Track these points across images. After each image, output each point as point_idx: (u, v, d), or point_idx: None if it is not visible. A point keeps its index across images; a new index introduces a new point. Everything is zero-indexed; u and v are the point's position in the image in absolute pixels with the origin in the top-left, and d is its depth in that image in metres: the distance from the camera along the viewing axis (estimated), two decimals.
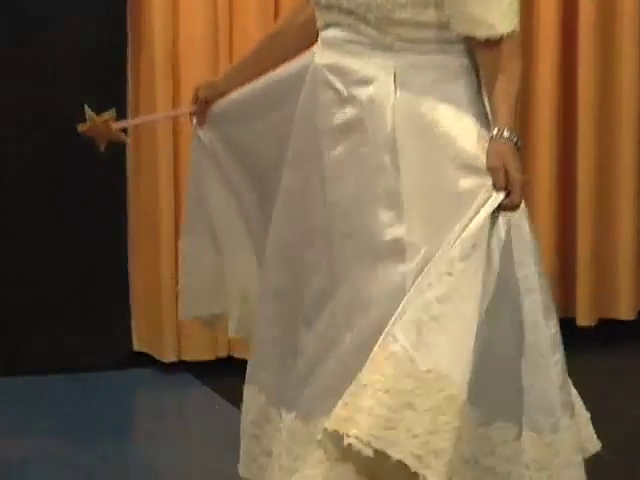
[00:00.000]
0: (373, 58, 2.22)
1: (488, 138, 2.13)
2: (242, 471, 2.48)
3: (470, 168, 2.13)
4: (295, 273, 2.34)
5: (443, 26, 2.19)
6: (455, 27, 2.17)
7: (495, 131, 2.14)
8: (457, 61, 2.23)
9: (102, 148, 2.51)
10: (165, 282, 3.77)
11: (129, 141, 3.15)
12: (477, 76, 2.24)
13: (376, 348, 2.07)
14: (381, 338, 2.08)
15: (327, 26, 2.29)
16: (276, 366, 2.38)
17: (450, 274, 2.08)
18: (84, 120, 2.47)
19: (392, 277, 2.15)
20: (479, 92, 2.23)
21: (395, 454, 2.01)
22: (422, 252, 2.13)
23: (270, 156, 2.42)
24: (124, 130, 2.63)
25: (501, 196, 2.10)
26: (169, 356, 3.84)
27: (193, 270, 2.63)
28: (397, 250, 2.16)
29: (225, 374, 3.60)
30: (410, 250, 2.15)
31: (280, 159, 2.38)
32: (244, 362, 2.52)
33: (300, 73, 2.35)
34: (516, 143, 2.13)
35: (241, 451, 2.48)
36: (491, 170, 2.11)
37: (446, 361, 2.05)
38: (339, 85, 2.25)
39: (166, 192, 3.79)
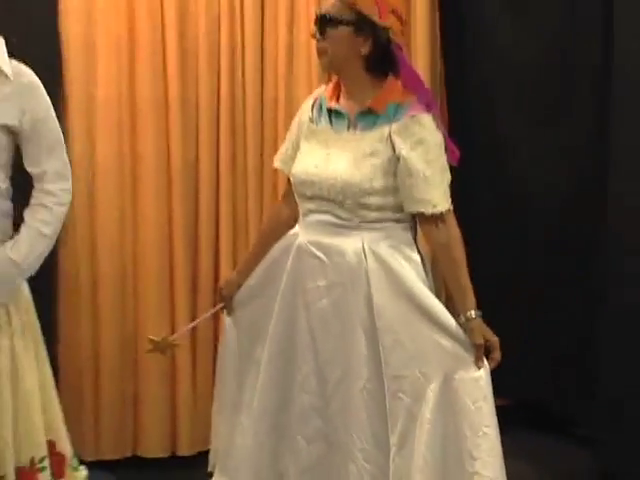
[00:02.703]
0: (347, 236, 2.97)
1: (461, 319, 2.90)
2: None
3: (445, 330, 2.88)
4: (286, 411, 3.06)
5: (397, 208, 2.96)
6: (408, 207, 2.94)
7: (469, 313, 2.90)
8: (404, 232, 3.01)
9: (166, 355, 3.29)
10: None
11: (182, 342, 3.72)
12: (416, 241, 3.02)
13: None
14: None
15: (309, 212, 3.03)
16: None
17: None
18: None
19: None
20: (419, 253, 3.02)
21: None
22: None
23: (265, 318, 3.11)
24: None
25: (487, 364, 2.87)
26: None
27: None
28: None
29: None
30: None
31: (269, 317, 3.08)
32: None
33: (285, 252, 3.07)
34: (482, 316, 2.91)
35: None
36: (477, 346, 2.87)
37: None
38: (322, 255, 2.99)
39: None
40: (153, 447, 4.14)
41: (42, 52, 3.85)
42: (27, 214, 2.97)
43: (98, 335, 4.07)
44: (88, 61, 3.98)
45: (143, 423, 4.13)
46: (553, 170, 4.14)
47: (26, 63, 3.78)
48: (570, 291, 4.13)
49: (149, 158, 4.04)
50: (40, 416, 2.97)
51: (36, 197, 2.99)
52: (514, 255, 4.25)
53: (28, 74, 3.02)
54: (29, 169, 3.00)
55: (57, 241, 3.88)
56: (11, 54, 3.56)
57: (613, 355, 3.75)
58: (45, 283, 3.86)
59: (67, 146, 3.90)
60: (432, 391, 2.87)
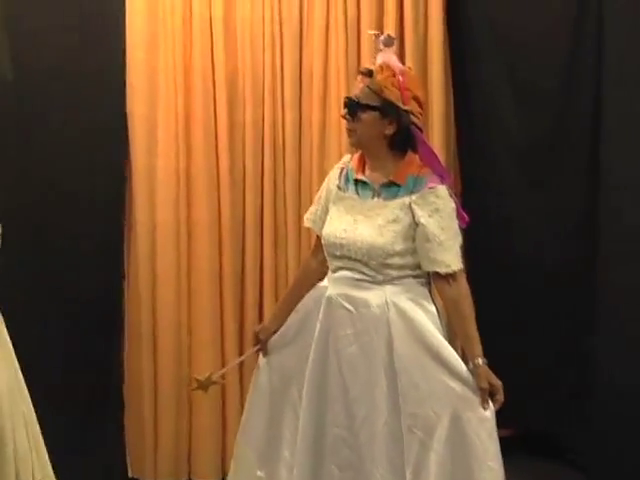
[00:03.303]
0: (371, 290, 3.37)
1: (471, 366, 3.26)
2: None
3: (455, 374, 3.25)
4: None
5: (416, 267, 3.37)
6: (425, 267, 3.35)
7: (476, 361, 3.25)
8: (421, 287, 3.40)
9: (207, 392, 3.60)
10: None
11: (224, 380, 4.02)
12: (431, 295, 3.40)
13: None
14: None
15: (338, 269, 3.43)
16: None
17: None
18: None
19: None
20: (435, 304, 3.40)
21: None
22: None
23: (301, 362, 3.46)
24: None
25: (492, 406, 3.23)
26: None
27: None
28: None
29: None
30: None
31: (304, 361, 3.43)
32: None
33: (317, 302, 3.45)
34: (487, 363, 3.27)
35: None
36: (482, 390, 3.23)
37: None
38: (350, 307, 3.38)
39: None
40: (205, 472, 4.60)
41: (111, 126, 4.43)
42: None
43: (157, 374, 4.56)
44: (150, 135, 4.52)
45: (196, 450, 4.59)
46: (548, 231, 4.52)
47: (97, 136, 4.35)
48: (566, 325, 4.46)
49: (202, 220, 4.56)
50: None
51: None
52: (513, 302, 4.60)
53: None
54: None
55: (121, 295, 4.47)
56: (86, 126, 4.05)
57: (608, 387, 4.08)
58: (112, 330, 4.45)
59: (132, 210, 4.50)
60: (443, 428, 3.22)
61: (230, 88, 4.58)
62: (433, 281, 3.38)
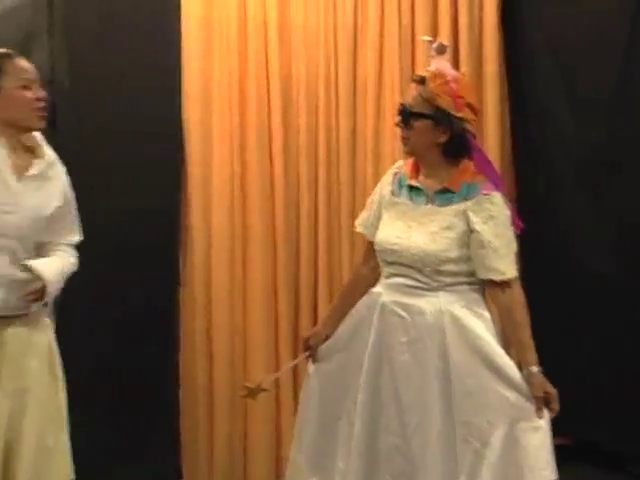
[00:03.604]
0: (425, 297, 3.35)
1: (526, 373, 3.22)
2: None
3: (510, 383, 3.22)
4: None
5: (470, 274, 3.34)
6: (479, 274, 3.33)
7: (531, 369, 3.23)
8: (475, 294, 3.38)
9: (256, 399, 3.62)
10: None
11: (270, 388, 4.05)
12: (485, 302, 3.38)
13: None
14: None
15: (391, 275, 3.42)
16: None
17: None
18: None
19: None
20: (488, 310, 3.37)
21: None
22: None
23: (354, 369, 3.44)
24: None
25: (547, 414, 3.20)
26: None
27: None
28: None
29: None
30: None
31: (359, 368, 3.41)
32: None
33: (370, 309, 3.43)
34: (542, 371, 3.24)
35: None
36: (537, 399, 3.20)
37: None
38: (404, 314, 3.36)
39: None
40: (260, 477, 4.63)
41: (167, 133, 4.48)
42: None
43: (212, 379, 4.60)
44: (205, 142, 4.57)
45: (251, 456, 4.62)
46: (605, 238, 4.47)
47: (154, 143, 4.39)
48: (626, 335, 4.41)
49: (257, 226, 4.61)
50: None
51: None
52: (570, 309, 4.54)
53: None
54: None
55: (176, 300, 4.51)
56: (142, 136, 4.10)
57: None
58: (168, 335, 4.50)
59: (188, 218, 4.53)
60: (497, 437, 3.20)
61: (284, 95, 4.62)
62: (487, 288, 3.36)
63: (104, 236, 4.25)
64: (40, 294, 3.26)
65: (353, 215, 4.57)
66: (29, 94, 3.30)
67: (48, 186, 3.36)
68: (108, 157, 4.32)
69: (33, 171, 3.32)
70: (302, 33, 4.64)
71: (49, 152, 3.40)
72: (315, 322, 4.61)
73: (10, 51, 3.35)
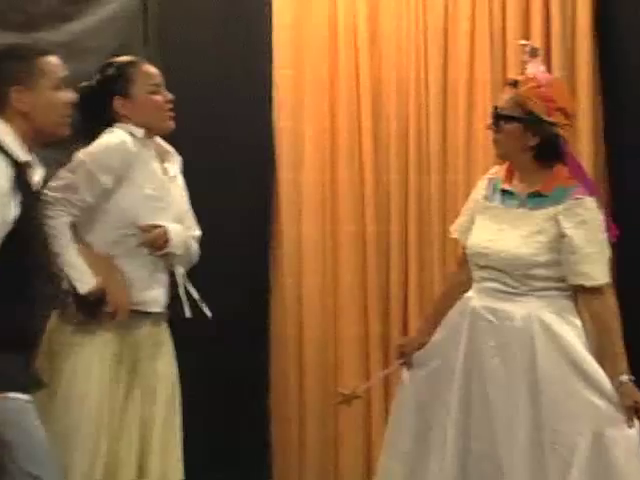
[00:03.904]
0: (514, 301, 3.33)
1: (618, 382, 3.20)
2: None
3: (600, 391, 3.19)
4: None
5: (560, 279, 3.32)
6: (570, 280, 3.30)
7: (622, 378, 3.19)
8: (566, 300, 3.35)
9: (350, 405, 3.67)
10: None
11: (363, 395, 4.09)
12: (576, 308, 3.34)
13: None
14: None
15: (482, 280, 3.41)
16: None
17: None
18: None
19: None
20: (579, 317, 3.34)
21: None
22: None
23: (447, 375, 3.45)
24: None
25: (637, 423, 3.17)
26: None
27: None
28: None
29: None
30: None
31: (452, 374, 3.42)
32: None
33: (462, 314, 3.43)
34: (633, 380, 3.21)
35: None
36: (627, 408, 3.17)
37: None
38: (493, 319, 3.36)
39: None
40: None
41: (258, 141, 4.52)
42: None
43: (303, 388, 4.62)
44: (296, 149, 4.60)
45: (342, 462, 4.63)
46: None
47: (245, 150, 4.44)
48: None
49: (347, 234, 4.62)
50: None
51: None
52: None
53: None
54: None
55: (267, 306, 4.55)
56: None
57: None
58: (259, 341, 4.54)
59: (278, 223, 4.56)
60: (585, 445, 3.16)
61: (374, 100, 4.63)
62: (578, 294, 3.34)
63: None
64: (163, 240, 3.36)
65: (444, 220, 4.62)
66: (159, 98, 3.39)
67: (180, 182, 3.51)
68: (200, 164, 4.34)
69: (172, 173, 3.46)
70: (392, 38, 4.64)
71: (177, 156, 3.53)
72: (405, 327, 4.63)
73: (134, 58, 3.45)
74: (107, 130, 3.33)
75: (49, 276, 3.13)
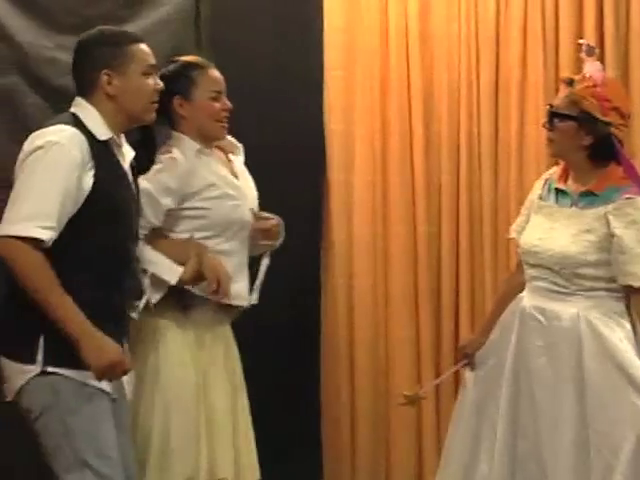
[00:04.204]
0: (563, 301, 3.35)
1: None
2: None
3: None
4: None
5: (610, 280, 3.32)
6: (619, 280, 3.30)
7: None
8: (616, 302, 3.35)
9: (414, 407, 3.76)
10: None
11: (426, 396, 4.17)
12: (627, 310, 3.33)
13: None
14: None
15: (532, 279, 3.44)
16: None
17: None
18: None
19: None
20: (629, 319, 3.33)
21: None
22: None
23: (498, 374, 3.48)
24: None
25: None
26: None
27: None
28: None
29: None
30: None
31: (502, 373, 3.46)
32: None
33: (513, 314, 3.46)
34: None
35: None
36: None
37: None
38: (541, 318, 3.37)
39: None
40: None
41: (309, 143, 4.54)
42: None
43: (354, 391, 4.61)
44: (347, 151, 4.62)
45: (393, 465, 4.62)
46: None
47: (296, 153, 4.45)
48: None
49: (398, 236, 4.61)
50: None
51: None
52: None
53: None
54: None
55: (319, 308, 4.56)
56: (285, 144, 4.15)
57: None
58: (309, 344, 4.56)
59: (328, 226, 4.56)
60: (629, 449, 3.16)
61: (426, 101, 4.63)
62: (628, 295, 3.33)
63: None
64: (276, 232, 3.50)
65: (495, 221, 4.62)
66: (217, 105, 3.41)
67: (248, 175, 3.57)
68: (252, 165, 4.38)
69: (239, 166, 3.53)
70: (443, 39, 4.63)
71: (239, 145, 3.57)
72: (457, 328, 4.62)
73: (202, 61, 3.46)
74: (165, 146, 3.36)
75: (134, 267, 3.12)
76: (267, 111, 4.42)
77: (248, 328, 4.31)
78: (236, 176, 3.50)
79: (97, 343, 2.82)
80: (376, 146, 4.62)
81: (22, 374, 2.88)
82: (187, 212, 3.32)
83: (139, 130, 3.26)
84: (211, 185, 3.33)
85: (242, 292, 3.44)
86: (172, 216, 3.31)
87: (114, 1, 4.17)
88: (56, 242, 2.83)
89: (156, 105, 3.06)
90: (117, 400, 3.01)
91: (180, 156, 3.31)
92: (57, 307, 2.80)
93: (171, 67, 3.41)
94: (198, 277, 3.26)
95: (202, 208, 3.32)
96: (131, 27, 4.18)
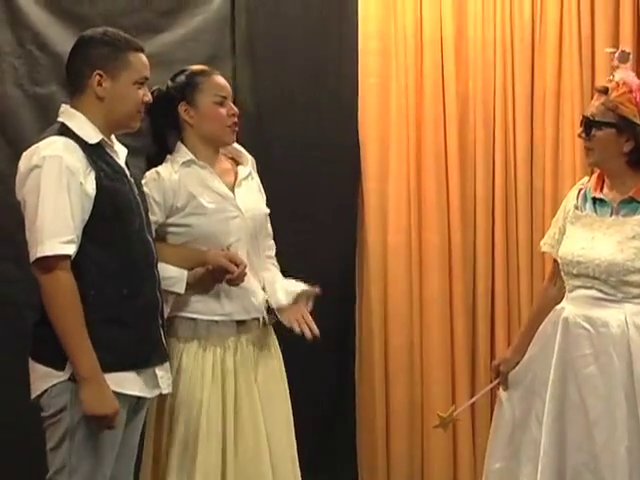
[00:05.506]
0: (609, 309, 3.30)
1: None
2: None
3: None
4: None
5: None
6: None
7: None
8: None
9: (447, 429, 3.67)
10: None
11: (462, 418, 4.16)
12: None
13: None
14: None
15: (575, 288, 3.38)
16: None
17: None
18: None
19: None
20: None
21: None
22: None
23: (540, 388, 3.42)
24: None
25: None
26: None
27: None
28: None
29: None
30: None
31: (544, 387, 3.39)
32: None
33: (554, 325, 3.40)
34: None
35: None
36: None
37: None
38: (588, 326, 3.32)
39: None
40: None
41: (344, 151, 4.53)
42: None
43: (389, 397, 4.61)
44: (382, 159, 4.61)
45: (428, 472, 4.61)
46: None
47: (331, 161, 4.41)
48: None
49: (433, 244, 4.61)
50: None
51: None
52: None
53: None
54: None
55: (355, 314, 4.57)
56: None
57: None
58: (344, 352, 4.56)
59: (363, 233, 4.55)
60: None
61: (461, 109, 4.63)
62: None
63: (284, 253, 4.35)
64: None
65: (530, 230, 4.61)
66: (223, 110, 3.40)
67: (254, 185, 3.52)
68: (287, 174, 4.40)
69: (242, 176, 3.47)
70: (478, 46, 4.63)
71: (249, 156, 3.54)
72: (492, 339, 4.61)
73: (206, 68, 3.47)
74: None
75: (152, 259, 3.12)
76: (302, 119, 4.43)
77: (282, 335, 4.35)
78: (233, 187, 3.44)
79: (100, 392, 2.86)
80: (411, 154, 4.62)
81: (49, 378, 2.91)
82: (171, 228, 3.34)
83: (154, 140, 3.34)
84: (193, 199, 3.33)
85: (253, 304, 3.43)
86: (159, 232, 3.32)
87: (151, 10, 4.21)
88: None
89: (141, 115, 3.07)
90: (140, 402, 3.05)
91: (165, 171, 3.34)
92: (73, 342, 2.84)
93: (176, 76, 3.43)
94: (204, 277, 3.31)
95: (184, 225, 3.32)
96: (168, 36, 4.24)
